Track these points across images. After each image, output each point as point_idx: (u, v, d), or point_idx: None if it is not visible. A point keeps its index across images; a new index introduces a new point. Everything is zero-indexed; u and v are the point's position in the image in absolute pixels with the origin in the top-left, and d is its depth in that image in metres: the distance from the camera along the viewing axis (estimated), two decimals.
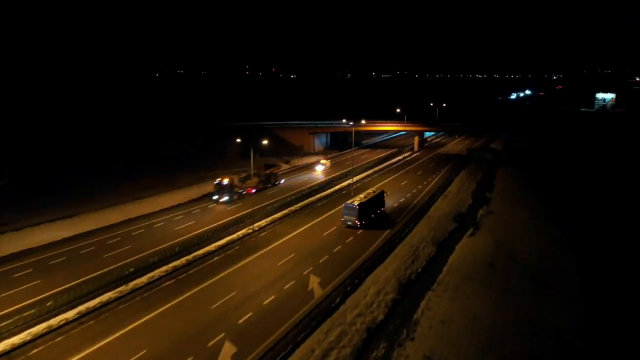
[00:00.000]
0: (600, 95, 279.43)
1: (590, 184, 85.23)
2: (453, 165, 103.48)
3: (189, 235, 55.40)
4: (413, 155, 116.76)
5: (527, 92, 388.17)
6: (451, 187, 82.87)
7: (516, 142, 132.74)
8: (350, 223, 59.21)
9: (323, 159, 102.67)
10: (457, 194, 78.63)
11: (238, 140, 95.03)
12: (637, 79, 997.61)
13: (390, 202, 70.84)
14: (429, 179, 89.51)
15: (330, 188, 80.00)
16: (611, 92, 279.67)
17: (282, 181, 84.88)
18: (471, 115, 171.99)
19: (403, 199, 74.25)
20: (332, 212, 65.88)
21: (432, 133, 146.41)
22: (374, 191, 65.46)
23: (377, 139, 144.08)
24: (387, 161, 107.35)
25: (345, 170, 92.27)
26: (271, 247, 53.07)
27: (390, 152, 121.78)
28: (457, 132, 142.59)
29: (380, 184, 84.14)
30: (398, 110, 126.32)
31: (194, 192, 76.01)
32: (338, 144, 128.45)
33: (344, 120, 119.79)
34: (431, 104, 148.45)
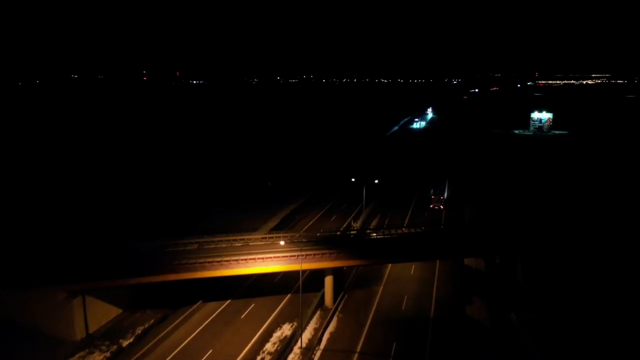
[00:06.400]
0: (535, 115, 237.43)
1: None
2: None
3: None
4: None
5: (430, 113, 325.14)
6: None
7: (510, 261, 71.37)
8: (437, 207, 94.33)
9: None
10: None
11: None
12: (529, 83, 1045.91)
13: None
14: None
15: None
16: (547, 110, 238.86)
17: None
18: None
19: None
20: None
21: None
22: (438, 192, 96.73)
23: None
24: None
25: None
26: None
27: (263, 331, 53.02)
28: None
29: None
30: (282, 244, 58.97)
31: None
32: (153, 300, 57.53)
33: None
34: (353, 179, 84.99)
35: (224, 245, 58.58)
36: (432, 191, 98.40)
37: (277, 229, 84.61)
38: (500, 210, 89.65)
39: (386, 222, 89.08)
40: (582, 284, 60.01)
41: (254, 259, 53.25)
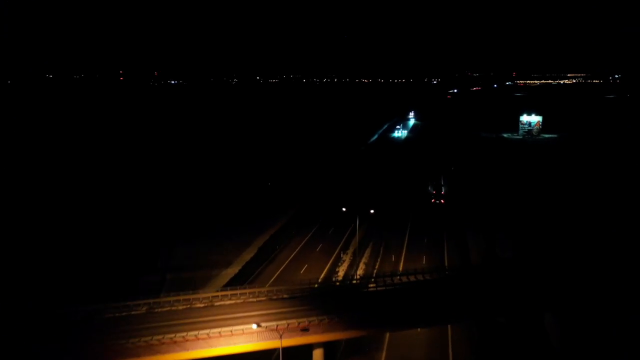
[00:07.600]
0: (524, 119, 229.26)
1: None
2: None
3: None
4: None
5: (412, 119, 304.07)
6: None
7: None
8: (437, 202, 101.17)
9: None
10: None
11: None
12: (508, 82, 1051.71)
13: None
14: None
15: None
16: (536, 114, 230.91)
17: None
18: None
19: None
20: None
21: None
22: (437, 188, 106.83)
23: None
24: None
25: None
26: None
27: None
28: None
29: None
30: None
31: None
32: None
33: None
34: (344, 209, 72.68)
35: (181, 308, 45.27)
36: (430, 188, 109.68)
37: (254, 262, 72.38)
38: (511, 242, 78.21)
39: (381, 252, 76.95)
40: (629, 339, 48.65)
41: (219, 333, 40.09)
